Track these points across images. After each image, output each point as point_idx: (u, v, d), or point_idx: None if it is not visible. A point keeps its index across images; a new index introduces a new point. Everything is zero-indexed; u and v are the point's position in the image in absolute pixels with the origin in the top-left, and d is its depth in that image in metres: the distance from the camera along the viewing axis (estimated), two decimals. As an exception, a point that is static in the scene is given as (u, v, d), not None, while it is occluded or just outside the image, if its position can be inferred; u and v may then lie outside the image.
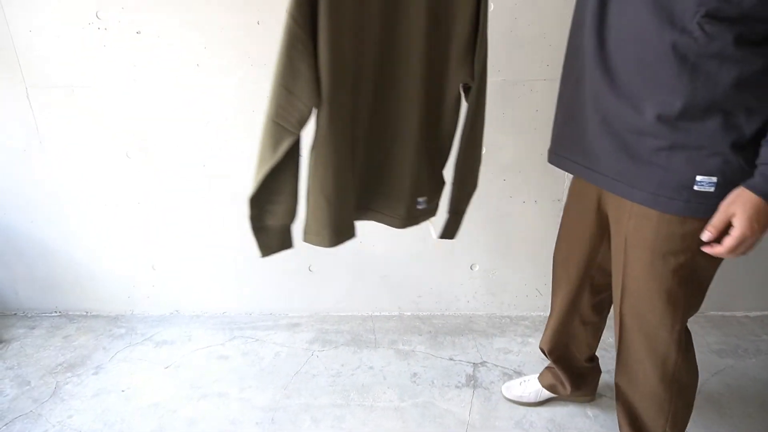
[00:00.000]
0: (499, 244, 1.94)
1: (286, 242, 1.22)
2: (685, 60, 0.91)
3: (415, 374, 1.73)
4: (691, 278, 1.07)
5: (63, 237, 1.95)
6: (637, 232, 1.07)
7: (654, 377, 1.18)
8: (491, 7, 1.62)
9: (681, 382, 1.18)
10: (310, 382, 1.70)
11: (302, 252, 1.95)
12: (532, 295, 2.01)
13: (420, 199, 1.28)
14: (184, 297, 2.05)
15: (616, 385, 1.29)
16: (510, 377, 1.70)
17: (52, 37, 1.67)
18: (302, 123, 1.06)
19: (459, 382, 1.69)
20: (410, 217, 1.29)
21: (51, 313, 2.10)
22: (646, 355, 1.18)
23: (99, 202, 1.89)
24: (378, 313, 2.06)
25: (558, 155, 1.23)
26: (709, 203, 0.96)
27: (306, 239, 1.20)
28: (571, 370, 1.51)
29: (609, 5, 1.02)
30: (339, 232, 1.19)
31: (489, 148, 1.78)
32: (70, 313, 2.10)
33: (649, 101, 0.97)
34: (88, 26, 1.66)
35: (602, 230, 1.25)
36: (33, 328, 2.02)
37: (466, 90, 1.21)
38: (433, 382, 1.69)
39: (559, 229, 1.40)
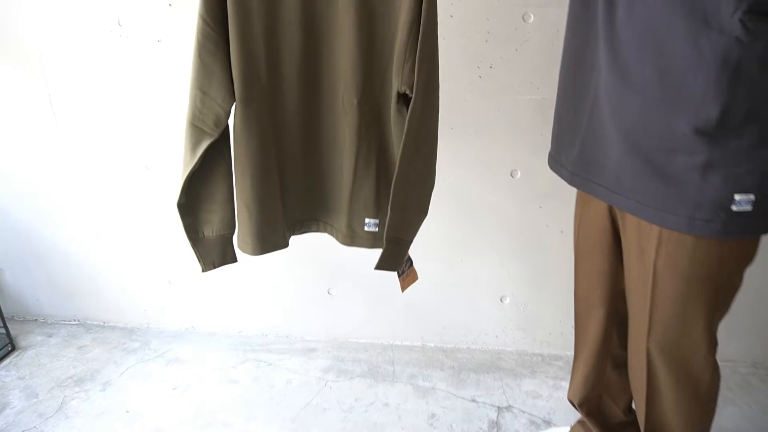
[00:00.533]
0: (532, 276, 1.78)
1: (227, 256, 1.19)
2: (724, 64, 0.79)
3: (433, 415, 1.59)
4: (726, 300, 0.99)
5: (84, 245, 1.92)
6: (669, 260, 0.96)
7: (687, 403, 1.08)
8: (530, 18, 1.48)
9: (711, 394, 1.08)
10: (320, 416, 1.59)
11: (322, 274, 1.87)
12: (567, 332, 1.84)
13: (369, 220, 1.18)
14: (201, 313, 1.98)
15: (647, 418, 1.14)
16: (538, 427, 1.54)
17: (74, 44, 1.64)
18: (219, 124, 1.06)
19: (480, 428, 1.54)
20: (355, 237, 1.20)
21: (70, 320, 2.07)
22: (677, 386, 1.06)
23: (119, 212, 1.85)
24: (399, 343, 1.93)
25: (580, 177, 1.08)
26: (747, 222, 0.87)
27: (238, 246, 1.19)
28: (607, 426, 1.35)
29: (617, 7, 0.90)
30: (264, 240, 1.16)
31: (523, 172, 1.64)
32: (89, 322, 2.07)
33: (681, 114, 0.85)
34: (109, 33, 1.61)
35: (620, 253, 1.12)
36: (50, 335, 2.00)
37: (408, 102, 1.07)
38: (451, 426, 1.55)
39: (575, 260, 1.26)
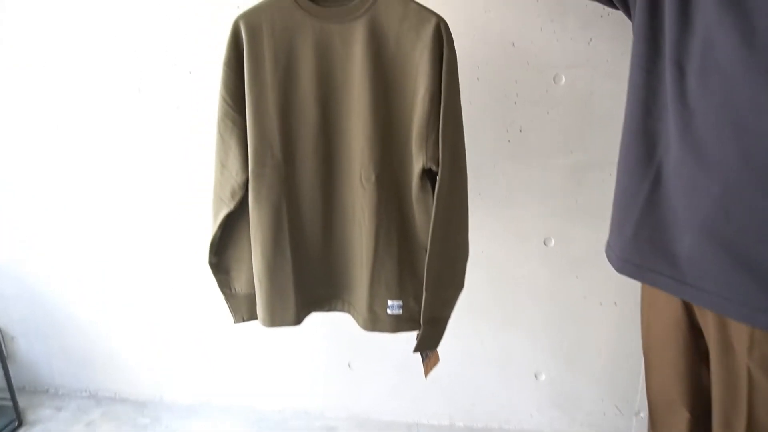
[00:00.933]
0: (570, 351, 1.64)
1: (255, 312, 1.19)
2: None
3: None
4: None
5: (101, 314, 1.85)
6: (765, 361, 0.83)
7: None
8: (562, 80, 1.41)
9: None
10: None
11: (342, 347, 1.76)
12: (610, 413, 1.68)
13: (392, 302, 1.11)
14: (215, 386, 1.88)
15: None
16: None
17: (93, 113, 1.62)
18: (234, 195, 1.09)
19: None
20: (377, 320, 1.14)
21: (81, 392, 1.98)
22: None
23: (138, 283, 1.79)
24: (425, 421, 1.79)
25: (633, 264, 0.96)
26: None
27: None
28: None
29: (687, 75, 0.80)
30: (272, 314, 1.15)
31: (557, 240, 1.54)
32: (100, 394, 1.97)
33: None
34: (130, 100, 1.59)
35: (700, 347, 0.97)
36: (60, 409, 1.90)
37: (434, 178, 1.04)
38: None
39: (645, 354, 1.11)
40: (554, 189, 1.50)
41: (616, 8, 0.98)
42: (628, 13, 0.97)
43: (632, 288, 1.54)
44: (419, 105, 1.01)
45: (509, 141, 1.47)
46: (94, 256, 1.78)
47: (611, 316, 1.59)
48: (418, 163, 1.03)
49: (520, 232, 1.55)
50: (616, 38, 1.36)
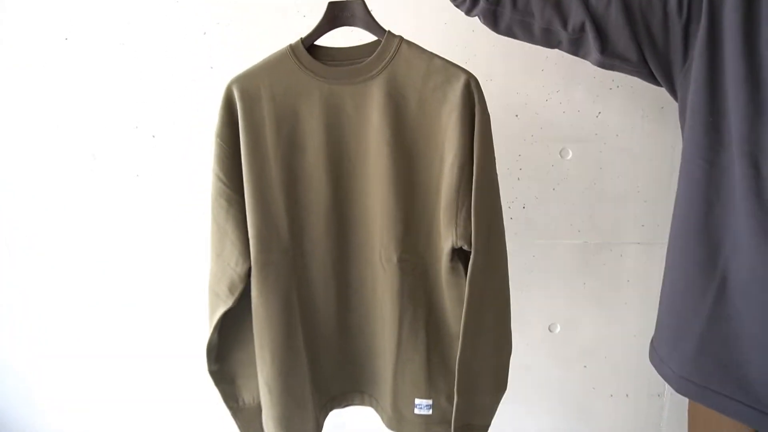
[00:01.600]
0: (577, 449, 1.48)
1: None
2: None
3: None
4: None
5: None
6: None
7: None
8: (569, 154, 1.30)
9: None
10: None
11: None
12: None
13: (420, 401, 0.96)
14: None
15: None
16: None
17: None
18: (233, 290, 0.92)
19: None
20: (403, 421, 0.99)
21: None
22: None
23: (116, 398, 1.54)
24: None
25: (696, 385, 0.82)
26: None
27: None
28: None
29: (763, 173, 0.70)
30: (288, 425, 0.97)
31: (564, 327, 1.41)
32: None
33: None
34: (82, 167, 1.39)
35: None
36: None
37: (467, 259, 0.89)
38: None
39: None
40: (560, 271, 1.37)
41: (659, 84, 0.87)
42: (673, 92, 0.86)
43: (645, 378, 1.43)
44: (447, 174, 0.87)
45: (511, 218, 1.34)
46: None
47: (622, 409, 1.45)
48: (446, 241, 0.89)
49: (522, 317, 1.40)
50: (627, 111, 1.28)
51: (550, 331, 1.41)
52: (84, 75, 1.30)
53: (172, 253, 1.40)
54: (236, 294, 0.92)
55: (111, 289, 1.43)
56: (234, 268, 0.92)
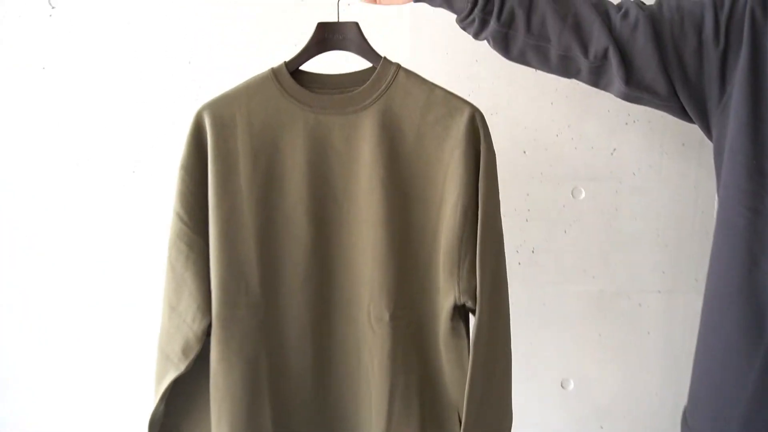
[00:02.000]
0: None
1: None
2: None
3: None
4: None
5: None
6: None
7: None
8: (582, 194, 1.21)
9: None
10: None
11: None
12: None
13: None
14: None
15: None
16: None
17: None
18: (187, 352, 0.79)
19: None
20: None
21: None
22: None
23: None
24: None
25: None
26: None
27: None
28: None
29: None
30: None
31: (577, 382, 1.31)
32: None
33: None
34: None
35: None
36: None
37: (469, 314, 0.82)
38: None
39: None
40: (573, 321, 1.27)
41: (691, 121, 0.77)
42: (707, 130, 0.77)
43: (668, 441, 1.31)
44: (449, 218, 0.79)
45: (519, 263, 1.25)
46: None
47: (644, 477, 1.31)
48: (447, 297, 0.79)
49: (532, 373, 1.30)
50: (645, 148, 1.20)
51: (563, 387, 1.30)
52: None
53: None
54: (191, 357, 0.80)
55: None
56: (190, 325, 0.80)
